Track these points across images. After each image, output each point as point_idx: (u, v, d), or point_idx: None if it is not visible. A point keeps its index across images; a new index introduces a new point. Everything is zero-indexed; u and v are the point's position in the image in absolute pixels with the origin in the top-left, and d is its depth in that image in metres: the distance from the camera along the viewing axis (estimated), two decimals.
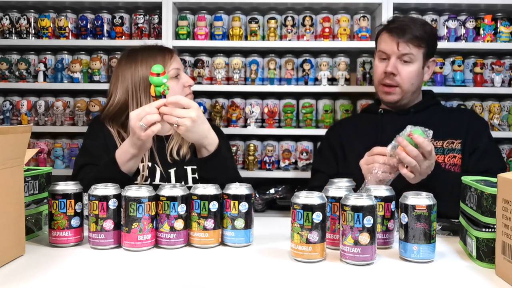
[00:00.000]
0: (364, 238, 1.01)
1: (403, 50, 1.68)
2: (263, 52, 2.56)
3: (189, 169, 1.64)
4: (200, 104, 2.50)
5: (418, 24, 1.71)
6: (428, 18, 2.45)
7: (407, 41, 1.68)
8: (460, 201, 1.17)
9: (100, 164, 1.50)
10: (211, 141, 1.44)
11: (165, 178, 1.62)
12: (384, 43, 1.72)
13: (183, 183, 1.61)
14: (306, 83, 2.49)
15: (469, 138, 1.70)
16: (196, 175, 1.63)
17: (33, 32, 2.50)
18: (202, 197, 1.13)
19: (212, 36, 2.50)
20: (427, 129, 1.35)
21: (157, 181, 1.61)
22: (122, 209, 1.11)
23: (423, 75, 1.76)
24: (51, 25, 2.49)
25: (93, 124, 1.77)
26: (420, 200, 1.04)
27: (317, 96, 2.54)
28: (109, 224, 1.12)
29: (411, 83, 1.71)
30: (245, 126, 2.49)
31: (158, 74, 1.29)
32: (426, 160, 1.34)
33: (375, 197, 1.08)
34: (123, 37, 2.50)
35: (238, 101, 2.51)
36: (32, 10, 2.53)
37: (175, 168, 1.63)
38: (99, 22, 2.50)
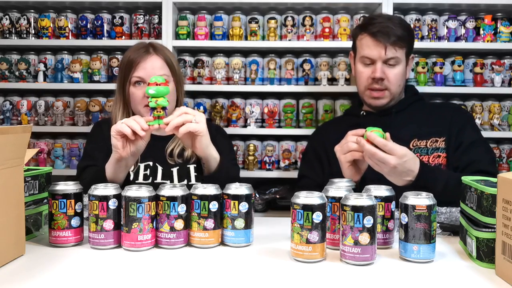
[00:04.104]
0: (364, 238, 1.01)
1: (390, 54, 1.65)
2: (263, 52, 2.56)
3: (192, 167, 1.64)
4: (200, 104, 2.50)
5: (397, 23, 1.68)
6: (428, 18, 2.45)
7: (393, 44, 1.65)
8: (455, 196, 1.19)
9: (93, 174, 1.49)
10: (214, 148, 1.44)
11: (168, 177, 1.62)
12: (368, 48, 1.68)
13: (186, 181, 1.61)
14: (306, 83, 2.49)
15: (453, 134, 1.67)
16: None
17: (33, 32, 2.51)
18: (202, 197, 1.13)
19: (212, 36, 2.50)
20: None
21: (159, 179, 1.61)
22: (122, 209, 1.11)
23: (406, 74, 1.76)
24: (51, 25, 2.49)
25: (94, 129, 1.80)
26: (420, 200, 1.04)
27: (317, 96, 2.54)
28: (109, 224, 1.12)
29: (398, 84, 1.70)
30: (245, 126, 2.49)
31: (157, 84, 1.27)
32: (391, 156, 1.35)
33: (375, 197, 1.08)
34: (123, 37, 2.50)
35: (238, 101, 2.51)
36: (32, 10, 2.53)
37: (178, 167, 1.63)
38: (99, 22, 2.50)
